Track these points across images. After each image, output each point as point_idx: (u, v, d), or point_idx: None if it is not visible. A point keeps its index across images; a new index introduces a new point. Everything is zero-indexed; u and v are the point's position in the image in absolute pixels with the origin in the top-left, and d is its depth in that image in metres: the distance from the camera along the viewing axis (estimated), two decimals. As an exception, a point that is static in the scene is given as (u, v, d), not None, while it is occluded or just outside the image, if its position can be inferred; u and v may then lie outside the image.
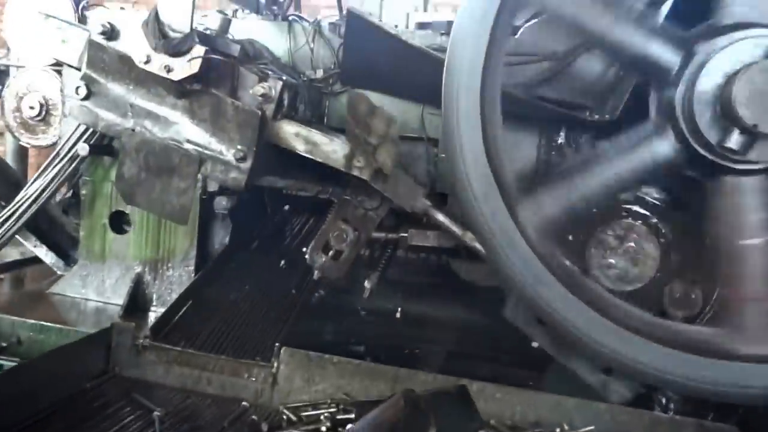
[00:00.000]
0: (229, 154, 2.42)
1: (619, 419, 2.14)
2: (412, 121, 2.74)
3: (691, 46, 1.95)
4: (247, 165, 2.41)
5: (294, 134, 2.41)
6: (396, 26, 2.92)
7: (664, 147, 2.00)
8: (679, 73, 1.95)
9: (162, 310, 2.71)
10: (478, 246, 2.45)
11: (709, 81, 1.89)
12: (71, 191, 3.28)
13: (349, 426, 1.69)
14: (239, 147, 2.39)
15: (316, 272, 2.78)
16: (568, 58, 2.39)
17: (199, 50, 2.28)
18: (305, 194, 3.20)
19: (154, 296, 2.93)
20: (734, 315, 2.01)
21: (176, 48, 2.28)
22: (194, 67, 2.29)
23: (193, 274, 2.91)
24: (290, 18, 2.77)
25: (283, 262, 3.14)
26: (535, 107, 2.44)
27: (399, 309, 3.03)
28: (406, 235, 2.77)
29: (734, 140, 1.84)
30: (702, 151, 1.94)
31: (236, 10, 2.84)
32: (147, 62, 2.34)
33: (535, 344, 2.45)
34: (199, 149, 2.45)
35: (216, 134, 2.42)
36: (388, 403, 1.84)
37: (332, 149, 2.39)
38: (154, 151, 2.51)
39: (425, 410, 1.87)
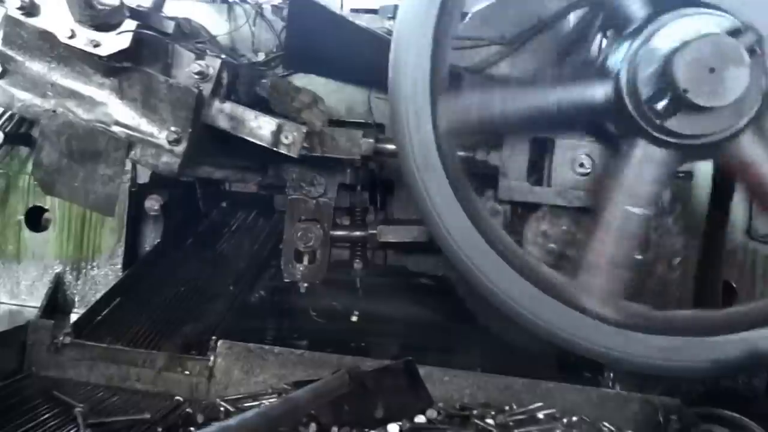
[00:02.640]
0: (161, 137, 2.27)
1: (568, 397, 2.13)
2: (359, 106, 2.66)
3: (662, 7, 1.96)
4: (180, 148, 2.26)
5: (219, 110, 2.27)
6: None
7: (597, 91, 2.02)
8: (640, 26, 1.96)
9: (85, 312, 2.50)
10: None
11: (664, 41, 1.90)
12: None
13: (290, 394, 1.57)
14: (173, 129, 2.25)
15: (301, 287, 2.62)
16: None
17: (129, 24, 2.15)
18: (242, 190, 3.09)
19: (77, 297, 2.72)
20: (587, 272, 2.04)
21: (104, 20, 2.14)
22: (124, 41, 2.14)
23: (120, 274, 2.72)
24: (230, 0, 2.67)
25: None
26: None
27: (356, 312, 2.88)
28: (375, 232, 2.64)
29: (662, 103, 1.88)
30: (628, 105, 1.95)
31: (171, -8, 2.72)
32: (71, 37, 2.17)
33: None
34: (129, 132, 2.28)
35: (147, 115, 2.26)
36: (332, 378, 1.73)
37: (257, 125, 2.25)
38: (77, 135, 2.32)
39: (371, 388, 1.77)
